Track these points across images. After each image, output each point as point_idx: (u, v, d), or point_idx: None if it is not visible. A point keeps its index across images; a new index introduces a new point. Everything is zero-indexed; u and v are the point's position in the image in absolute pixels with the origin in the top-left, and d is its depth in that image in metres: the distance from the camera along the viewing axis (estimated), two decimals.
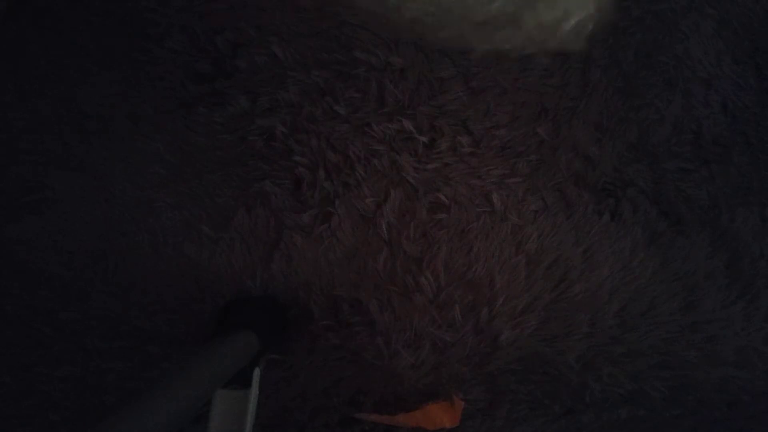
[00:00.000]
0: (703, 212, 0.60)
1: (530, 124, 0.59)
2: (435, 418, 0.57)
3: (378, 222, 0.58)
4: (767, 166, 0.60)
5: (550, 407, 0.59)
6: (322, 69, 0.58)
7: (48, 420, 0.59)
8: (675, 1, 0.59)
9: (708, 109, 0.60)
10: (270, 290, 0.58)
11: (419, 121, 0.59)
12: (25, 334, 0.58)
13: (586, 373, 0.58)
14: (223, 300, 0.58)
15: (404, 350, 0.57)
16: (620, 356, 0.58)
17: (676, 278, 0.59)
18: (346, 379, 0.58)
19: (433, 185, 0.59)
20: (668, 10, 0.59)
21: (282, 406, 0.59)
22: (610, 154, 0.60)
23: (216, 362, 0.41)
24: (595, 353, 0.58)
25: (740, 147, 0.60)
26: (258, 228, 0.59)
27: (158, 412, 0.31)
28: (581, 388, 0.59)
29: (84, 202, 0.59)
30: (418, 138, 0.58)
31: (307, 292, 0.58)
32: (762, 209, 0.60)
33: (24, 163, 0.59)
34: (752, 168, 0.60)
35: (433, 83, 0.58)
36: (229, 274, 0.58)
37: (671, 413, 0.60)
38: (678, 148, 0.60)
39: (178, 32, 0.58)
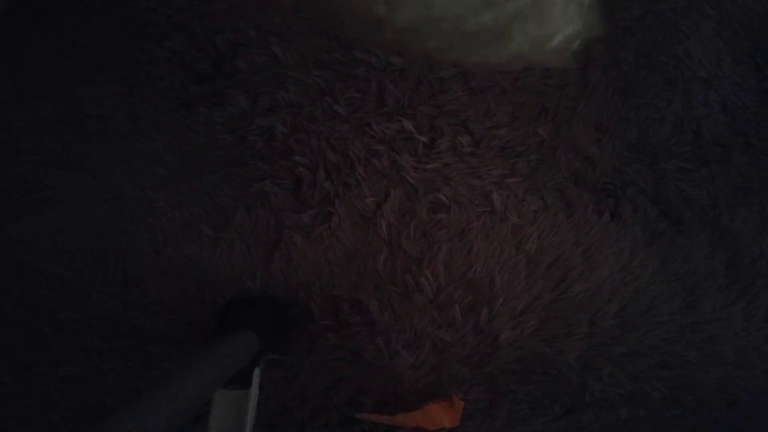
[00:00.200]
0: (703, 212, 0.60)
1: (530, 124, 0.59)
2: (435, 418, 0.57)
3: (378, 222, 0.58)
4: (767, 166, 0.60)
5: (550, 407, 0.59)
6: (322, 69, 0.58)
7: (48, 420, 0.59)
8: (675, 1, 0.59)
9: (708, 109, 0.60)
10: (270, 290, 0.58)
11: (419, 121, 0.59)
12: (25, 334, 0.58)
13: (586, 373, 0.58)
14: (223, 300, 0.58)
15: (404, 350, 0.57)
16: (620, 356, 0.58)
17: (676, 278, 0.59)
18: (346, 379, 0.58)
19: (433, 185, 0.59)
20: (668, 10, 0.59)
21: (282, 406, 0.59)
22: (610, 154, 0.60)
23: (216, 362, 0.41)
24: (595, 353, 0.58)
25: (740, 147, 0.60)
26: (258, 228, 0.59)
27: (158, 412, 0.31)
28: (581, 388, 0.59)
29: (84, 202, 0.59)
30: (418, 138, 0.58)
31: (307, 292, 0.58)
32: (762, 209, 0.60)
33: (24, 163, 0.59)
34: (752, 168, 0.60)
35: (433, 83, 0.58)
36: (229, 274, 0.58)
37: (671, 413, 0.60)
38: (678, 148, 0.60)
39: (178, 32, 0.58)
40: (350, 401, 0.58)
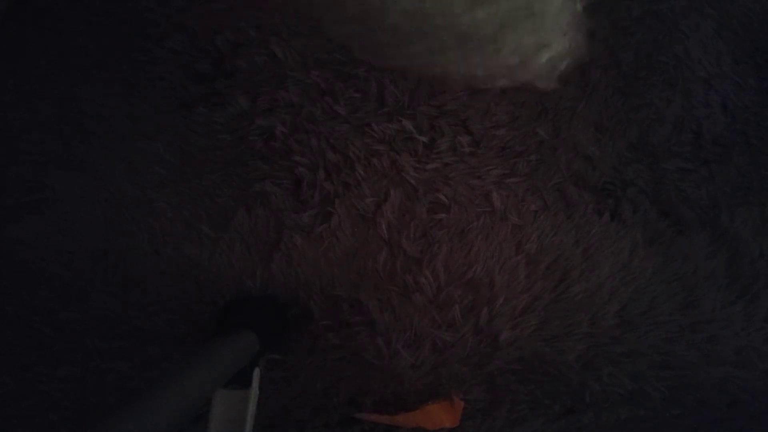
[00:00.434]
0: (703, 212, 0.60)
1: (530, 124, 0.59)
2: (435, 418, 0.57)
3: (378, 222, 0.58)
4: (767, 166, 0.60)
5: (550, 407, 0.59)
6: (322, 69, 0.58)
7: (48, 420, 0.59)
8: (675, 1, 0.59)
9: (708, 109, 0.60)
10: (270, 290, 0.58)
11: (419, 121, 0.59)
12: (25, 334, 0.58)
13: (586, 373, 0.58)
14: (223, 300, 0.58)
15: (404, 350, 0.57)
16: (620, 356, 0.58)
17: (676, 278, 0.59)
18: (346, 379, 0.58)
19: (433, 185, 0.59)
20: (668, 10, 0.59)
21: (282, 406, 0.59)
22: (610, 154, 0.60)
23: (216, 362, 0.41)
24: (595, 353, 0.58)
25: (740, 147, 0.60)
26: (258, 228, 0.59)
27: (158, 412, 0.31)
28: (581, 388, 0.59)
29: (84, 202, 0.59)
30: (418, 138, 0.58)
31: (307, 292, 0.58)
32: (762, 209, 0.60)
33: (24, 163, 0.59)
34: (752, 168, 0.60)
35: (433, 83, 0.58)
36: (229, 274, 0.58)
37: (671, 413, 0.60)
38: (678, 148, 0.60)
39: (178, 32, 0.58)
40: (350, 401, 0.58)
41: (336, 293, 0.58)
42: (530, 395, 0.59)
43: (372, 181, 0.59)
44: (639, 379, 0.59)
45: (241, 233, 0.58)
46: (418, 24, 0.45)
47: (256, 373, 0.47)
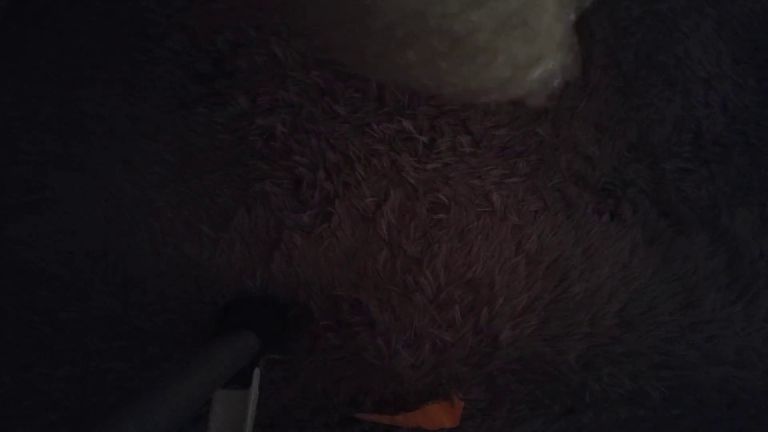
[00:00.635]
0: (703, 212, 0.60)
1: (530, 124, 0.59)
2: (435, 418, 0.57)
3: (378, 222, 0.58)
4: (767, 166, 0.60)
5: (550, 407, 0.59)
6: (322, 69, 0.58)
7: (48, 420, 0.59)
8: (675, 1, 0.59)
9: (708, 109, 0.60)
10: (270, 290, 0.58)
11: (419, 121, 0.59)
12: (25, 334, 0.58)
13: (586, 373, 0.58)
14: (223, 300, 0.58)
15: (404, 350, 0.57)
16: (620, 356, 0.58)
17: (676, 278, 0.59)
18: (346, 379, 0.58)
19: (433, 185, 0.59)
20: (668, 10, 0.59)
21: (282, 406, 0.59)
22: (610, 154, 0.60)
23: (216, 362, 0.41)
24: (595, 353, 0.58)
25: (740, 147, 0.60)
26: (258, 228, 0.59)
27: (158, 412, 0.31)
28: (581, 388, 0.59)
29: (84, 202, 0.59)
30: (418, 138, 0.58)
31: (307, 292, 0.58)
32: (762, 209, 0.60)
33: (24, 163, 0.59)
34: (752, 168, 0.60)
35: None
36: (229, 274, 0.58)
37: (671, 413, 0.60)
38: (678, 148, 0.60)
39: (178, 32, 0.58)
40: (350, 401, 0.58)
41: (336, 293, 0.58)
42: (530, 395, 0.59)
43: (372, 181, 0.59)
44: (639, 379, 0.59)
45: (241, 233, 0.58)
46: (410, 26, 0.44)
47: (256, 373, 0.47)
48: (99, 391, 0.58)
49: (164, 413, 0.31)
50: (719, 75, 0.60)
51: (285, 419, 0.59)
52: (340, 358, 0.58)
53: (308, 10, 0.50)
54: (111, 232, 0.59)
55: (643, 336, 0.58)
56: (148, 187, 0.59)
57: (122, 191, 0.59)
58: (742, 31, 0.60)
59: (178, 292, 0.58)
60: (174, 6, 0.58)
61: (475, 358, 0.58)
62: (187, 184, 0.59)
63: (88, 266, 0.58)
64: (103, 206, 0.59)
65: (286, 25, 0.58)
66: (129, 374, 0.58)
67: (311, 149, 0.59)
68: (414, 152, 0.59)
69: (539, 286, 0.58)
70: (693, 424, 0.60)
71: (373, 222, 0.58)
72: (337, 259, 0.58)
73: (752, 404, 0.60)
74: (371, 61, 0.52)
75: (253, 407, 0.46)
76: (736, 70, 0.60)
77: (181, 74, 0.59)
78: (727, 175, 0.60)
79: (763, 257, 0.60)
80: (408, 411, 0.58)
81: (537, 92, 0.54)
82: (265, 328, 0.52)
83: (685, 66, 0.60)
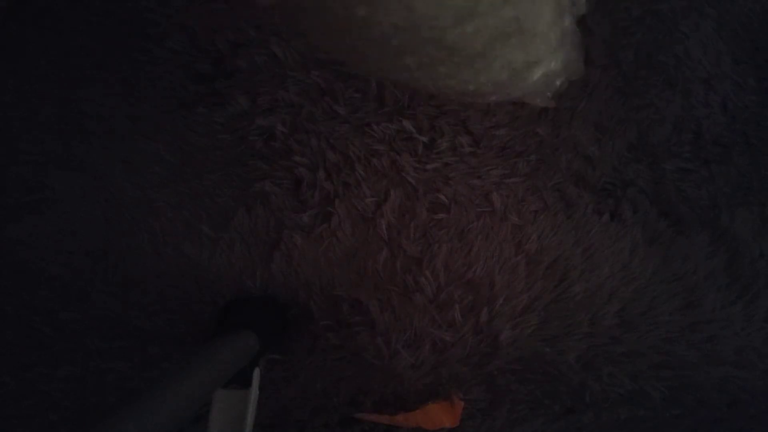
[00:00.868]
0: (703, 212, 0.60)
1: (530, 124, 0.59)
2: (435, 418, 0.57)
3: (378, 222, 0.58)
4: (767, 166, 0.60)
5: (550, 407, 0.59)
6: (322, 69, 0.58)
7: (48, 420, 0.59)
8: (675, 1, 0.59)
9: (708, 109, 0.60)
10: (270, 290, 0.58)
11: (419, 121, 0.59)
12: (25, 334, 0.58)
13: (586, 373, 0.58)
14: (223, 300, 0.58)
15: (404, 350, 0.57)
16: (620, 356, 0.58)
17: (676, 278, 0.59)
18: (346, 379, 0.58)
19: (433, 185, 0.59)
20: (668, 10, 0.59)
21: (282, 406, 0.59)
22: (610, 154, 0.60)
23: (216, 362, 0.41)
24: (595, 353, 0.58)
25: (740, 147, 0.60)
26: (258, 228, 0.59)
27: (158, 412, 0.31)
28: (581, 388, 0.59)
29: (84, 202, 0.59)
30: (418, 138, 0.58)
31: (307, 292, 0.58)
32: (762, 209, 0.60)
33: (24, 163, 0.59)
34: (752, 168, 0.60)
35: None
36: (229, 274, 0.58)
37: (671, 413, 0.60)
38: (678, 148, 0.60)
39: (178, 32, 0.58)
40: (350, 401, 0.58)
41: (336, 293, 0.58)
42: (530, 395, 0.59)
43: (372, 181, 0.59)
44: (639, 379, 0.59)
45: (241, 233, 0.58)
46: (406, 37, 0.44)
47: (256, 373, 0.47)
48: (99, 391, 0.58)
49: (164, 413, 0.31)
50: (719, 75, 0.60)
51: (285, 419, 0.59)
52: (340, 358, 0.58)
53: (301, 18, 0.50)
54: (111, 232, 0.59)
55: (643, 336, 0.58)
56: (148, 187, 0.59)
57: (122, 191, 0.59)
58: (742, 31, 0.60)
59: (178, 292, 0.58)
60: (174, 6, 0.58)
61: (475, 358, 0.58)
62: (187, 184, 0.59)
63: (88, 266, 0.58)
64: (103, 206, 0.59)
65: (286, 25, 0.58)
66: (129, 374, 0.58)
67: (311, 149, 0.59)
68: (414, 152, 0.59)
69: (539, 286, 0.58)
70: (693, 424, 0.60)
71: (373, 222, 0.58)
72: (337, 259, 0.58)
73: (752, 404, 0.60)
74: (371, 62, 0.52)
75: (253, 407, 0.46)
76: (736, 70, 0.60)
77: (181, 74, 0.59)
78: (727, 175, 0.60)
79: (763, 257, 0.60)
80: (408, 411, 0.58)
81: (540, 93, 0.54)
82: (265, 328, 0.52)
83: (685, 66, 0.60)
